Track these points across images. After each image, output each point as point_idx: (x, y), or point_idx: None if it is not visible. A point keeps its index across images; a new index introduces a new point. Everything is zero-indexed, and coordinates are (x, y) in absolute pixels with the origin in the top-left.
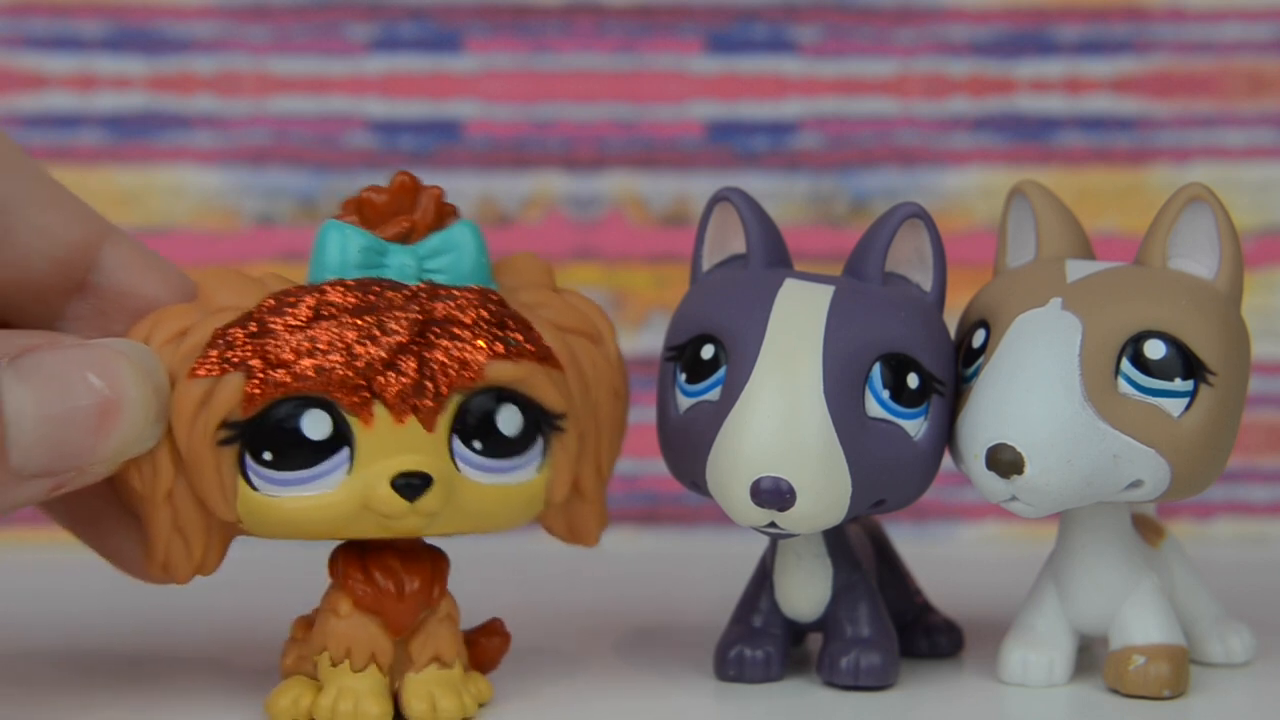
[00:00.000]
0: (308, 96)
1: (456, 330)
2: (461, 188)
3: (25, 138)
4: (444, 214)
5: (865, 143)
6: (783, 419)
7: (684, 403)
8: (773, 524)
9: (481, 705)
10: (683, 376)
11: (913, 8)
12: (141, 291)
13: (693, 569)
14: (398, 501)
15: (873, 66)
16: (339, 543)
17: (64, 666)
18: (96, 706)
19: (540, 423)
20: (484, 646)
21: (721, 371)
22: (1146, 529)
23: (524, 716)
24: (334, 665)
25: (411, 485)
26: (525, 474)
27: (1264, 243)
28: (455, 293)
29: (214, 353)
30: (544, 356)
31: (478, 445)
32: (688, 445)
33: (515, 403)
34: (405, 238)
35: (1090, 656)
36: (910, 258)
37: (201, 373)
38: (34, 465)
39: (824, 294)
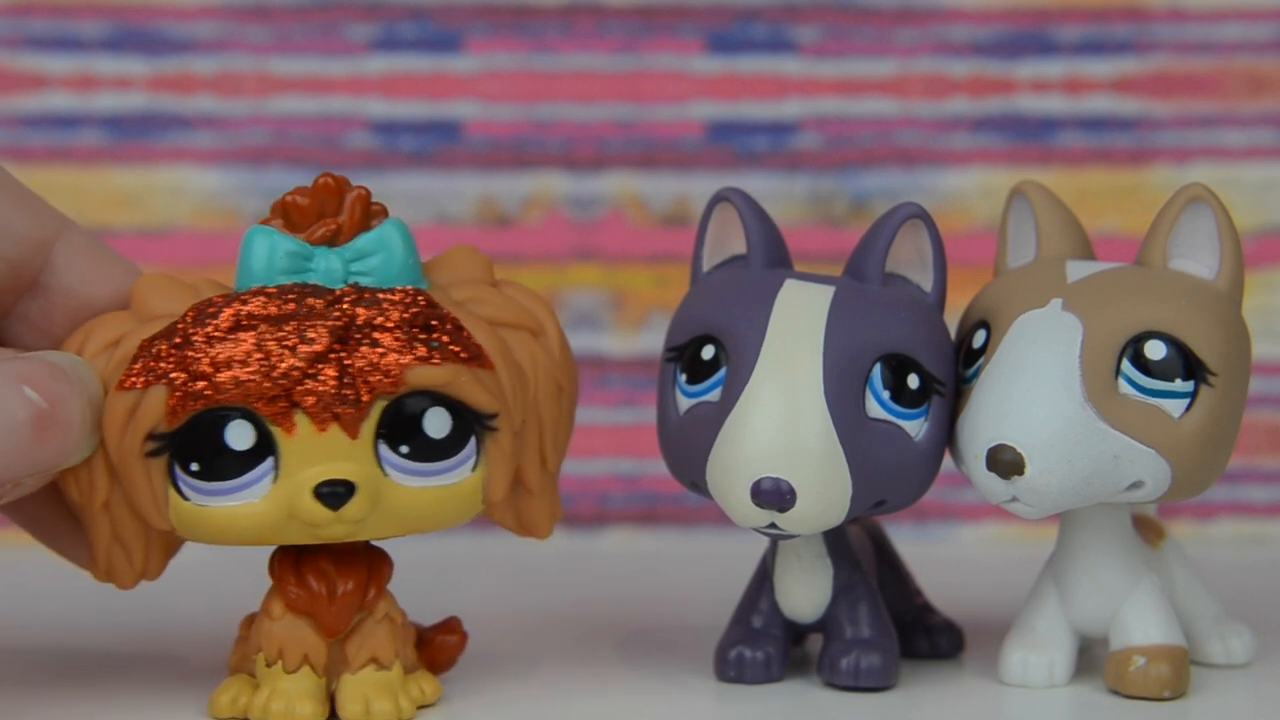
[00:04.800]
0: (308, 96)
1: (378, 335)
2: (461, 188)
3: (25, 138)
4: (371, 214)
5: (865, 143)
6: (783, 419)
7: (684, 403)
8: (773, 525)
9: (424, 706)
10: (683, 377)
11: (913, 8)
12: (85, 293)
13: (693, 569)
14: (321, 511)
15: (873, 66)
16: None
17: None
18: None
19: (472, 423)
20: (440, 645)
21: (722, 372)
22: (1147, 529)
23: (524, 716)
24: (268, 666)
25: (335, 494)
26: (459, 475)
27: (1264, 243)
28: (380, 295)
29: (139, 365)
30: (472, 357)
31: (404, 449)
32: (688, 446)
33: (444, 405)
34: (332, 240)
35: (1090, 657)
36: (911, 258)
37: (129, 385)
38: None
39: (824, 294)
